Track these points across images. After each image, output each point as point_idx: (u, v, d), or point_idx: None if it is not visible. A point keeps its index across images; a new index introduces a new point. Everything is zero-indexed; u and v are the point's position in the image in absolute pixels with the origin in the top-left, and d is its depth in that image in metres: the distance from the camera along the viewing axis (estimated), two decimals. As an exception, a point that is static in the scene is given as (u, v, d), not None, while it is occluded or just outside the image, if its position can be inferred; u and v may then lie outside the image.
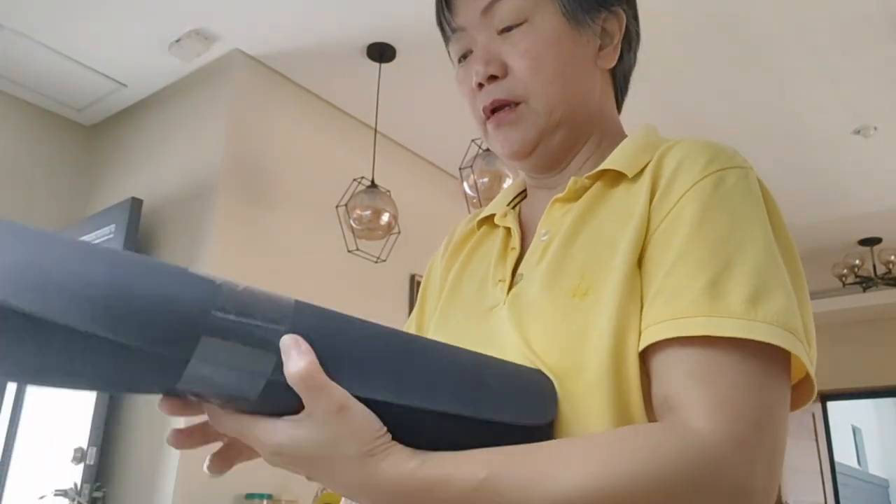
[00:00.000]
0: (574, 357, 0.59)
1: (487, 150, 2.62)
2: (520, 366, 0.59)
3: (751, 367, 0.54)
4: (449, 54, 0.79)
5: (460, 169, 2.69)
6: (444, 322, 0.76)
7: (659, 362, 0.57)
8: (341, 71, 3.10)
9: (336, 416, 0.48)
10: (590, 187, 0.69)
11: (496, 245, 0.76)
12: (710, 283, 0.56)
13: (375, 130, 3.24)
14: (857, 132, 3.58)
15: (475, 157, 2.63)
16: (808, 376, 0.58)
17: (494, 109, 0.72)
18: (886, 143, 3.67)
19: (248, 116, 2.98)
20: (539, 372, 0.59)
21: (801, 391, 0.60)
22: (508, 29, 0.71)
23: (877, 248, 4.99)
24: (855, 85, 3.20)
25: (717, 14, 2.77)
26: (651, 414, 0.57)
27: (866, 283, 4.98)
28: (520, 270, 0.70)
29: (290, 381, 0.47)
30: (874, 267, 5.00)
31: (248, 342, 0.46)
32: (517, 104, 0.71)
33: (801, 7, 2.72)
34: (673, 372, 0.55)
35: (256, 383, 0.47)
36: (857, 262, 4.96)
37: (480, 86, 0.72)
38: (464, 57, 0.75)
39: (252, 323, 0.46)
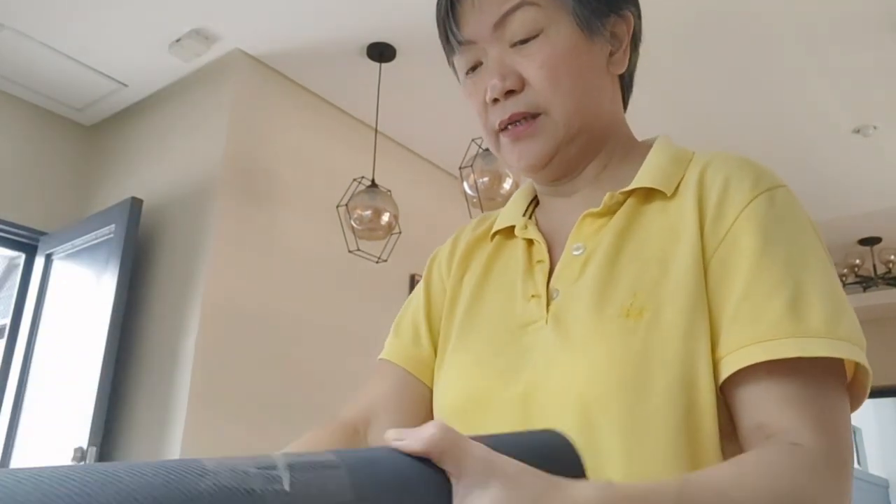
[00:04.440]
0: (637, 379, 0.58)
1: (487, 149, 2.62)
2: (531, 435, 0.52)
3: (834, 385, 0.57)
4: (452, 66, 0.77)
5: (460, 169, 2.69)
6: (466, 336, 0.74)
7: (745, 391, 0.58)
8: (341, 71, 3.10)
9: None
10: (624, 202, 0.69)
11: (518, 257, 0.74)
12: (789, 305, 0.57)
13: (375, 130, 3.23)
14: (857, 131, 3.57)
15: (475, 157, 2.63)
16: (855, 382, 0.61)
17: (510, 123, 0.71)
18: (886, 142, 3.67)
19: (248, 116, 2.98)
20: (550, 434, 0.52)
21: (855, 396, 0.62)
22: (522, 42, 0.69)
23: (877, 247, 4.99)
24: (854, 84, 3.20)
25: (715, 12, 2.77)
26: (725, 444, 0.58)
27: (866, 282, 4.98)
28: (554, 286, 0.69)
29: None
30: (874, 267, 4.99)
31: None
32: (536, 116, 0.70)
33: (800, 6, 2.72)
34: (765, 399, 0.56)
35: None
36: (857, 261, 4.96)
37: (496, 101, 0.70)
38: (472, 69, 0.73)
39: None
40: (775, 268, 0.59)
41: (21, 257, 3.36)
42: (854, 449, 0.60)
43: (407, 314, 0.83)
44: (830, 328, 0.56)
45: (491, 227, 0.80)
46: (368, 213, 2.81)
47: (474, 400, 0.68)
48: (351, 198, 2.85)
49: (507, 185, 2.61)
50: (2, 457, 2.94)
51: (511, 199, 0.83)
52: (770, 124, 3.53)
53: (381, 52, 2.95)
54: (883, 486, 8.75)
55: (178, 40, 2.89)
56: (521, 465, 0.43)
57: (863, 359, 0.57)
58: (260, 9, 2.72)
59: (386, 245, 3.01)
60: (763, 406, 0.56)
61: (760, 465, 0.53)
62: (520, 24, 0.69)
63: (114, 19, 2.77)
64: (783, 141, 3.67)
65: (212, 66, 3.04)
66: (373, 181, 2.89)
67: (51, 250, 3.18)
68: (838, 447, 0.55)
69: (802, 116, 3.46)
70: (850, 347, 0.56)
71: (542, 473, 0.44)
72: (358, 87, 3.15)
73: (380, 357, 0.81)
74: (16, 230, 3.21)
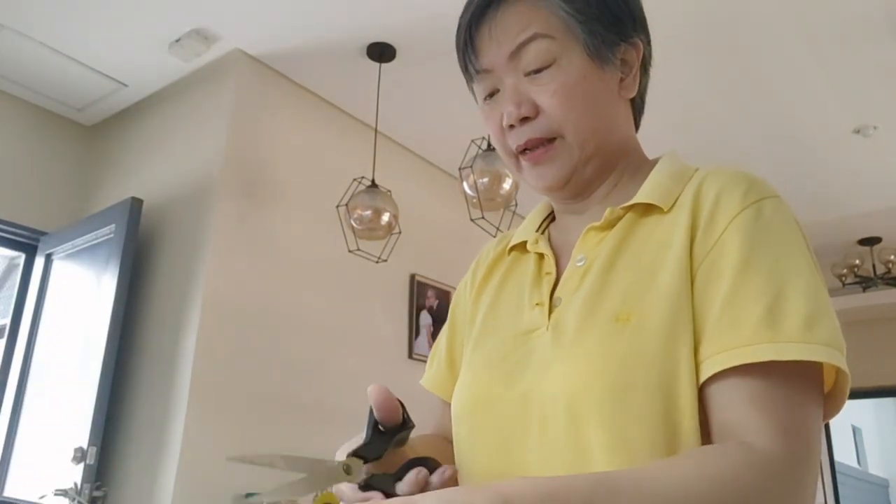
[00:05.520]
0: (621, 380, 0.61)
1: (487, 150, 2.62)
2: None
3: (805, 389, 0.59)
4: (471, 90, 0.81)
5: (460, 169, 2.69)
6: (480, 345, 0.79)
7: (717, 391, 0.60)
8: (341, 71, 3.10)
9: None
10: (623, 216, 0.73)
11: (529, 270, 0.79)
12: (768, 312, 0.59)
13: (375, 130, 3.24)
14: (857, 132, 3.58)
15: (475, 157, 2.63)
16: (836, 386, 0.63)
17: (527, 148, 0.75)
18: (886, 142, 3.67)
19: (248, 116, 2.98)
20: None
21: (835, 400, 0.64)
22: (536, 71, 0.73)
23: (876, 247, 4.99)
24: (855, 84, 3.20)
25: (716, 14, 2.77)
26: (706, 441, 0.61)
27: (866, 282, 4.98)
28: (557, 294, 0.73)
29: None
30: (874, 267, 5.00)
31: None
32: (552, 140, 0.74)
33: (800, 7, 2.72)
34: (733, 399, 0.59)
35: None
36: (857, 261, 4.96)
37: (511, 126, 0.74)
38: (490, 96, 0.77)
39: None
40: (758, 276, 0.61)
41: (21, 257, 3.36)
42: (819, 452, 0.62)
43: (440, 343, 0.92)
44: (806, 333, 0.58)
45: (508, 245, 0.86)
46: (368, 212, 2.81)
47: (481, 400, 0.73)
48: (351, 198, 2.86)
49: (506, 185, 2.61)
50: (2, 457, 2.94)
51: (528, 216, 0.89)
52: (770, 124, 3.53)
53: (381, 52, 2.95)
54: (883, 485, 8.75)
55: (178, 40, 2.89)
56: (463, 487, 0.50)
57: (841, 362, 0.58)
58: (260, 9, 2.72)
59: (386, 245, 3.01)
60: (729, 406, 0.59)
61: (697, 460, 0.55)
62: (534, 54, 0.72)
63: (114, 19, 2.77)
64: (783, 141, 3.67)
65: (212, 66, 3.04)
66: (373, 181, 2.89)
67: (51, 250, 3.18)
68: (797, 449, 0.56)
69: (803, 117, 3.46)
70: (826, 351, 0.58)
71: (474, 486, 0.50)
72: (358, 87, 3.15)
73: (420, 381, 0.92)
74: (16, 230, 3.21)
